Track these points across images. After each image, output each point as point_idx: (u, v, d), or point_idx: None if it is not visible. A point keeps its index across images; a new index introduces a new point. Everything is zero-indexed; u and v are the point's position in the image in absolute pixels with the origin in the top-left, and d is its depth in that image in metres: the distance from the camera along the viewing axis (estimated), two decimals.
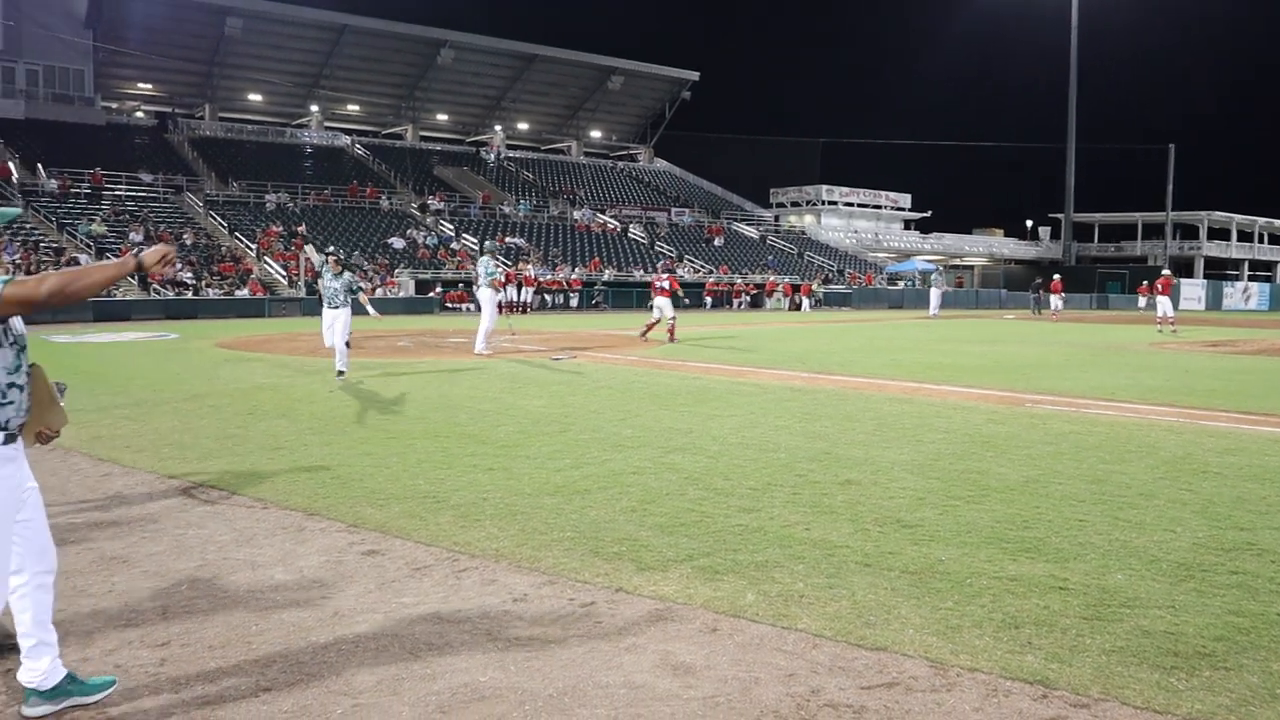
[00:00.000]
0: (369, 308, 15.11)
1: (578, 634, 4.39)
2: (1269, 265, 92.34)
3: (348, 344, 14.37)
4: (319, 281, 14.94)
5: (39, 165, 43.95)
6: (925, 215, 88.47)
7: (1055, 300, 43.74)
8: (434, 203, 54.43)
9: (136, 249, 3.65)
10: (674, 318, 23.59)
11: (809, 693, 3.79)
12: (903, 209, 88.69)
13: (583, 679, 3.91)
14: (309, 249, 17.68)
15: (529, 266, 43.20)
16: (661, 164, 75.89)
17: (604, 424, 10.20)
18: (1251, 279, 79.58)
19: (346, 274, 14.70)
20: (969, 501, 6.77)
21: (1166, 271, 35.77)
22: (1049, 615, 4.57)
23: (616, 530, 6.03)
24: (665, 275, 24.53)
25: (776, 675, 3.95)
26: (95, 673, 3.94)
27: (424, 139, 67.10)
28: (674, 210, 64.91)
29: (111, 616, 4.65)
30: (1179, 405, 12.04)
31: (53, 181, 43.12)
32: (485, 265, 19.09)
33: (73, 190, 43.28)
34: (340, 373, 14.19)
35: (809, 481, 7.40)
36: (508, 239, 49.69)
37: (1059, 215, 74.46)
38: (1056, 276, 45.99)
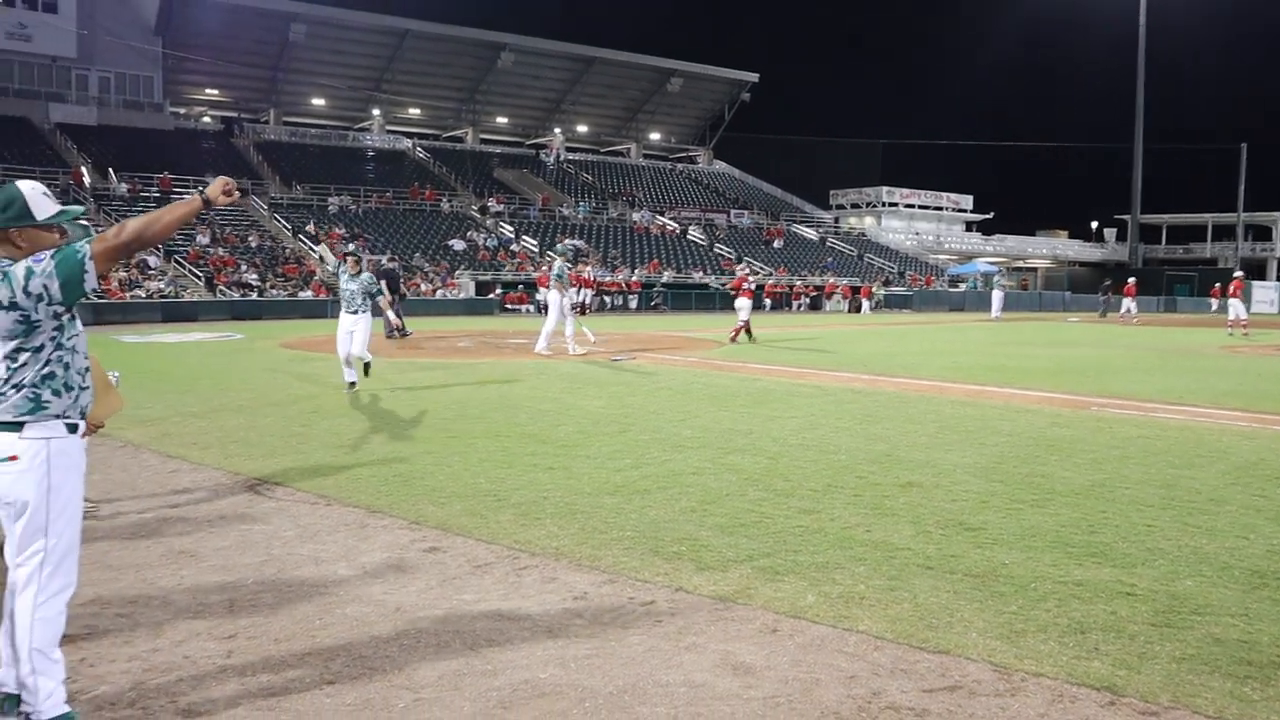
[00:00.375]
0: (390, 314, 13.41)
1: (638, 632, 4.40)
2: None
3: (367, 364, 13.22)
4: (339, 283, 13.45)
5: (110, 170, 45.06)
6: (987, 217, 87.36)
7: (1129, 303, 42.59)
8: (494, 205, 54.87)
9: (200, 187, 3.72)
10: (747, 321, 23.62)
11: (870, 695, 3.75)
12: (964, 210, 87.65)
13: (643, 677, 3.91)
14: (322, 248, 16.88)
15: (588, 268, 43.40)
16: (720, 166, 75.76)
17: (663, 424, 10.20)
18: None
19: (365, 275, 13.33)
20: (1033, 505, 6.67)
21: (1239, 273, 34.95)
22: (1116, 621, 4.49)
23: (676, 530, 6.03)
24: (751, 277, 24.67)
25: (837, 677, 3.92)
26: (165, 665, 4.03)
27: (484, 142, 67.67)
28: (733, 212, 64.78)
29: (180, 609, 4.74)
30: (1251, 410, 11.76)
31: (123, 185, 44.19)
32: (556, 267, 19.16)
33: (142, 194, 44.26)
34: (351, 384, 12.84)
35: (870, 483, 7.34)
36: (567, 240, 49.93)
37: (1125, 216, 73.02)
38: (1131, 279, 44.86)
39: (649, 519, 6.30)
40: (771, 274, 53.31)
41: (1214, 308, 45.57)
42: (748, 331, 23.31)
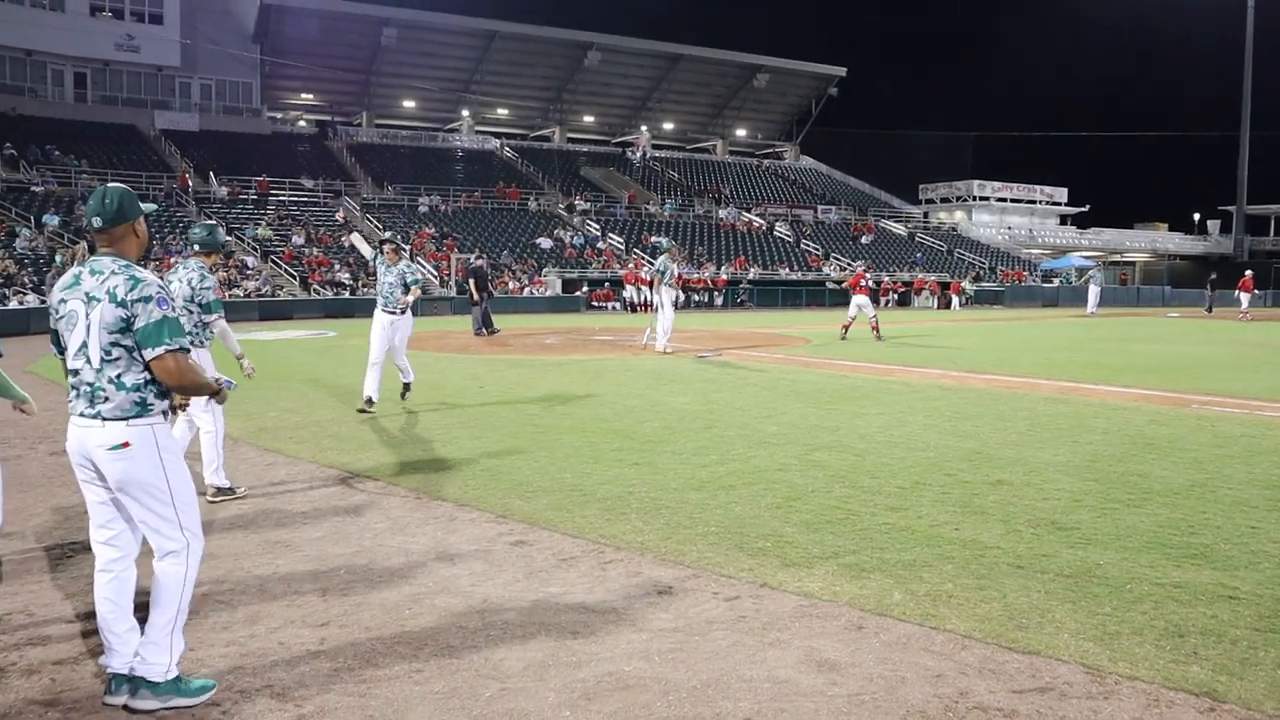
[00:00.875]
0: (409, 298, 11.19)
1: (721, 627, 4.40)
2: None
3: (408, 384, 11.71)
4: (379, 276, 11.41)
5: (210, 174, 46.46)
6: (1083, 210, 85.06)
7: (1245, 298, 40.59)
8: (580, 203, 55.21)
9: (219, 380, 4.32)
10: (875, 314, 23.53)
11: (957, 694, 3.70)
12: (1059, 203, 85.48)
13: (726, 671, 3.91)
14: (355, 236, 16.01)
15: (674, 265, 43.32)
16: (808, 161, 75.11)
17: (749, 421, 10.17)
18: None
19: (402, 263, 11.30)
20: (1129, 505, 6.49)
21: None
22: (1217, 625, 4.35)
23: (761, 526, 6.01)
24: (868, 274, 24.67)
25: (924, 675, 3.87)
26: (261, 650, 4.15)
27: (571, 140, 68.13)
28: (820, 208, 64.18)
29: (275, 596, 4.88)
30: None
31: (223, 189, 45.54)
32: (664, 264, 19.08)
33: (240, 196, 45.60)
34: (406, 386, 11.63)
35: (958, 481, 7.22)
36: (653, 238, 49.96)
37: (1230, 208, 70.49)
38: (1248, 273, 42.78)
39: (734, 515, 6.29)
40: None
41: None
42: (845, 330, 23.20)
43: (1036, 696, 3.68)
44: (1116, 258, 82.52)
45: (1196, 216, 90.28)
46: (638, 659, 4.05)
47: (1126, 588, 4.83)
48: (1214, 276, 47.51)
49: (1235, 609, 4.53)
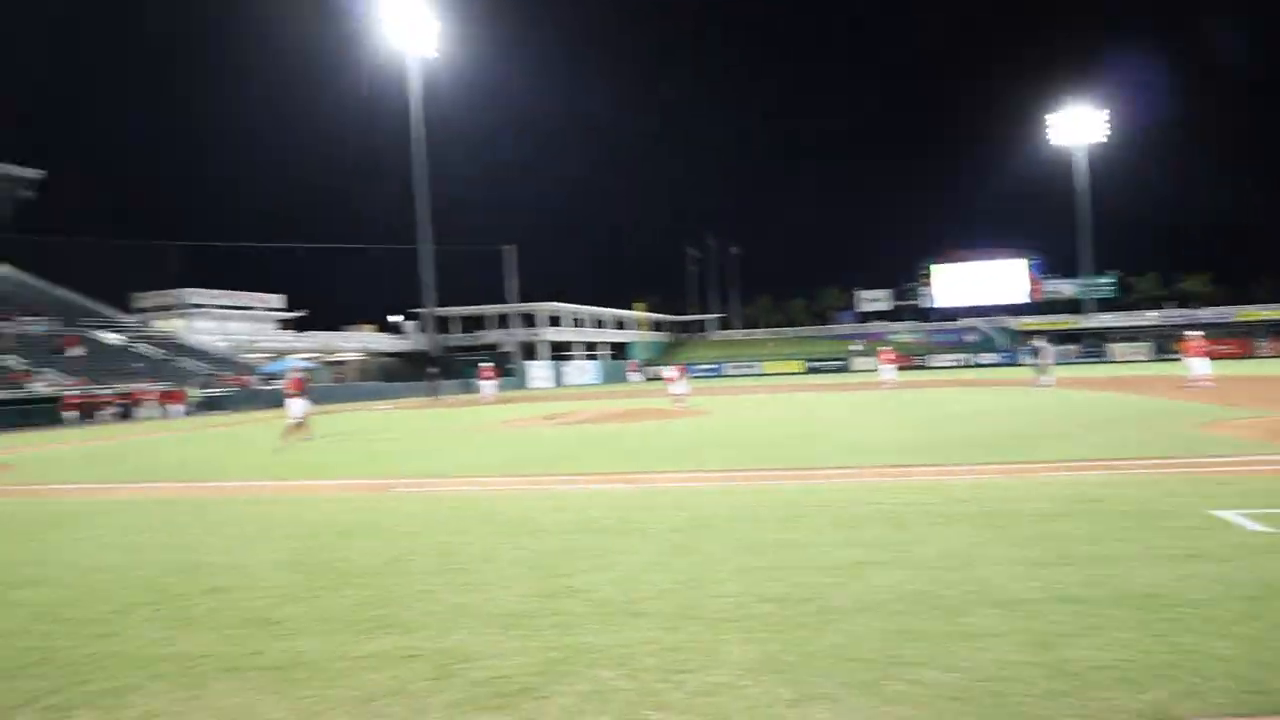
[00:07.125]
0: None
1: None
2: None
3: None
4: None
5: None
6: (301, 314, 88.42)
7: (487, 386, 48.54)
8: None
9: None
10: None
11: None
12: (277, 309, 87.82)
13: None
14: None
15: None
16: (5, 269, 67.39)
17: None
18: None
19: None
20: (330, 590, 7.08)
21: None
22: (399, 684, 5.01)
23: None
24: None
25: None
26: None
27: None
28: (22, 320, 57.94)
29: None
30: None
31: None
32: None
33: None
34: None
35: (171, 595, 7.21)
36: None
37: (419, 309, 78.32)
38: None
39: None
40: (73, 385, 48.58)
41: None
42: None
43: None
44: (334, 357, 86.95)
45: (396, 318, 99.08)
46: None
47: (326, 667, 5.32)
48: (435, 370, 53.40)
49: (414, 666, 5.26)
